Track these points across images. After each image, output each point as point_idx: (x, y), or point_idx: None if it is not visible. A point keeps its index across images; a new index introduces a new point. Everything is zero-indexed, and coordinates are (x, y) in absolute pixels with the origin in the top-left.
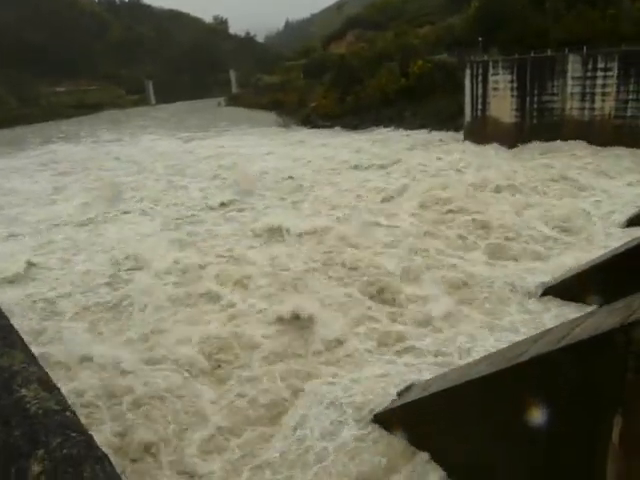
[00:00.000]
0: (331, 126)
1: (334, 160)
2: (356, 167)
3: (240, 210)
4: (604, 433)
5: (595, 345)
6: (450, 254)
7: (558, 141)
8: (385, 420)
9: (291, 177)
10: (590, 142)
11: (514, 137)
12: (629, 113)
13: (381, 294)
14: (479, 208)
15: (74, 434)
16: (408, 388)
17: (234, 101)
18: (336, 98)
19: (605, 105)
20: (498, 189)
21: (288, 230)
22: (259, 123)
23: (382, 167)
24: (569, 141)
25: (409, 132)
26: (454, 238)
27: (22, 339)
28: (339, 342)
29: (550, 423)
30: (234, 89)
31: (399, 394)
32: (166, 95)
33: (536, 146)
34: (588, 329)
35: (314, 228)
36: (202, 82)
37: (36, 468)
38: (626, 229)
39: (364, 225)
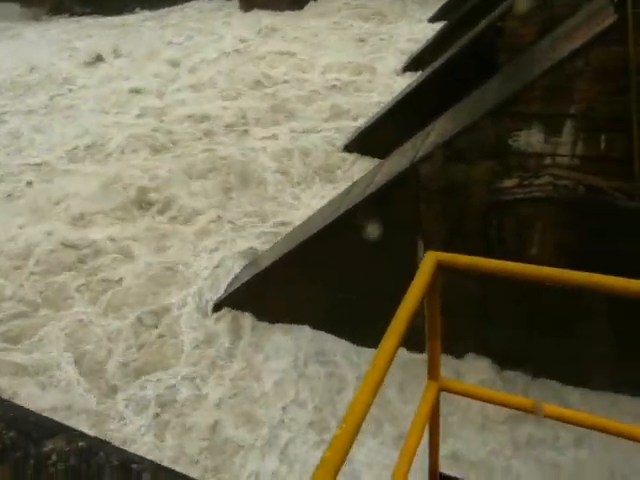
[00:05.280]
0: (92, 13)
1: None
2: None
3: None
4: (413, 259)
5: (393, 187)
6: None
7: None
8: (227, 304)
9: None
10: None
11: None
12: None
13: None
14: None
15: None
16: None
17: None
18: None
19: None
20: None
21: None
22: None
23: None
24: None
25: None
26: None
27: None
28: None
29: (369, 262)
30: None
31: (236, 277)
32: None
33: None
34: (385, 174)
35: None
36: None
37: None
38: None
39: None
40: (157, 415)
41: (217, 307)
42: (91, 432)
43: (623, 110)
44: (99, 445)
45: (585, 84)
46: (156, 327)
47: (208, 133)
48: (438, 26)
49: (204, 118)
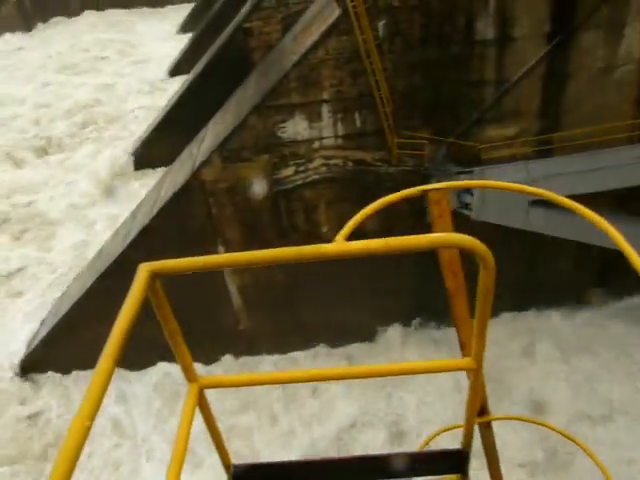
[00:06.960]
0: None
1: None
2: None
3: None
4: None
5: (181, 198)
6: None
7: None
8: (33, 366)
9: None
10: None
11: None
12: None
13: None
14: None
15: None
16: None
17: None
18: None
19: None
20: None
21: None
22: None
23: None
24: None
25: None
26: None
27: None
28: None
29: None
30: None
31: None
32: None
33: None
34: (170, 187)
35: None
36: None
37: None
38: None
39: None
40: None
41: (23, 369)
42: None
43: (367, 90)
44: None
45: (330, 71)
46: None
47: None
48: (189, 35)
49: None
